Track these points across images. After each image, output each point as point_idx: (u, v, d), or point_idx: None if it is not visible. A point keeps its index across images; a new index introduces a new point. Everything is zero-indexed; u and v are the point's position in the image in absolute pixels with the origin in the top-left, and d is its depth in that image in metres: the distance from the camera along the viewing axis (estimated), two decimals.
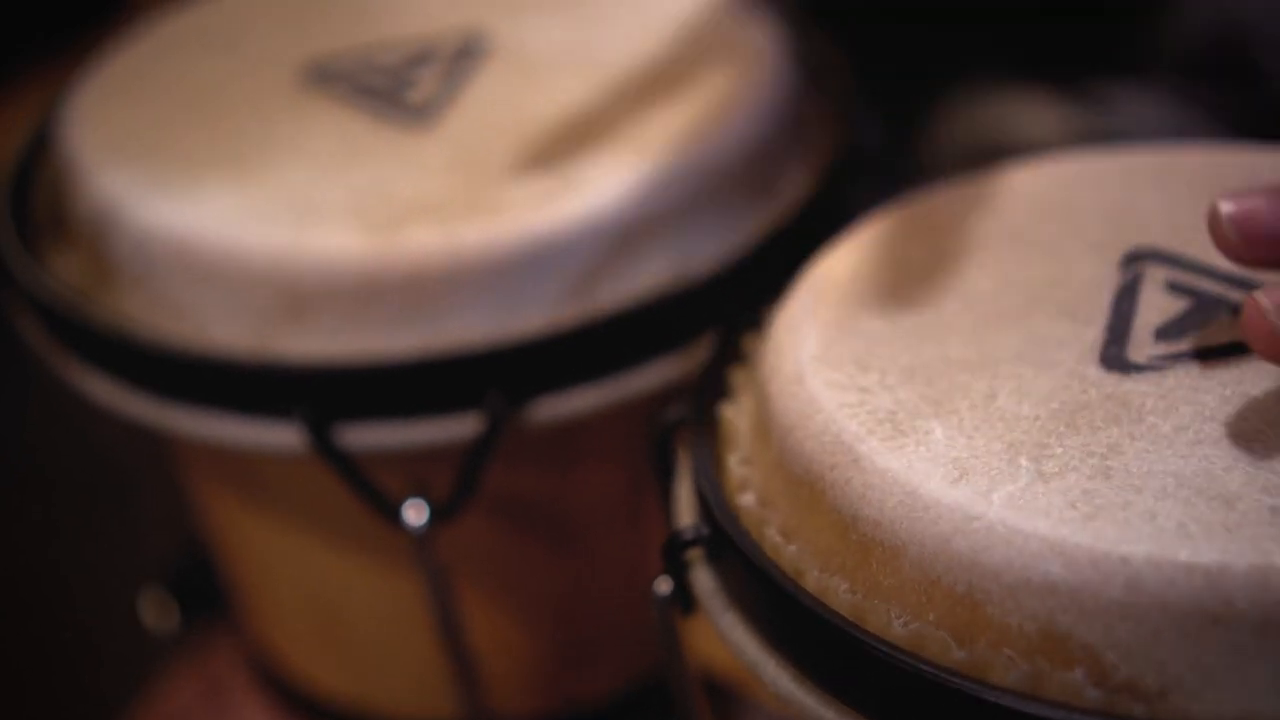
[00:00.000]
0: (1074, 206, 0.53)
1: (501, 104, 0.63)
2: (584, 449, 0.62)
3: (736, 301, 0.55)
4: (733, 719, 0.65)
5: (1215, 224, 0.44)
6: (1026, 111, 0.94)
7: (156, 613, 0.79)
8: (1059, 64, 0.93)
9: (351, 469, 0.58)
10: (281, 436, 0.58)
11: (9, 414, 0.87)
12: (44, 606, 0.81)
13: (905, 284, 0.51)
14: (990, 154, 0.71)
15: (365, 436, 0.58)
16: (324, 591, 0.67)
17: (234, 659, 0.77)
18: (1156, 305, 0.48)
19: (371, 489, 0.58)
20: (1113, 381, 0.45)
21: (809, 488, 0.45)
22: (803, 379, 0.47)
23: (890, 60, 0.88)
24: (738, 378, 0.52)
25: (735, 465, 0.49)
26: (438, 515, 0.58)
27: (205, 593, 0.78)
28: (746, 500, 0.48)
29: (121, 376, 0.60)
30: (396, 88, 0.65)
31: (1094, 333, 0.47)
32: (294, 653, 0.72)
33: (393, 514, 0.58)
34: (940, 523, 0.42)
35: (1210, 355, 0.46)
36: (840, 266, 0.52)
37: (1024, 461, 0.43)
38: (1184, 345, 0.46)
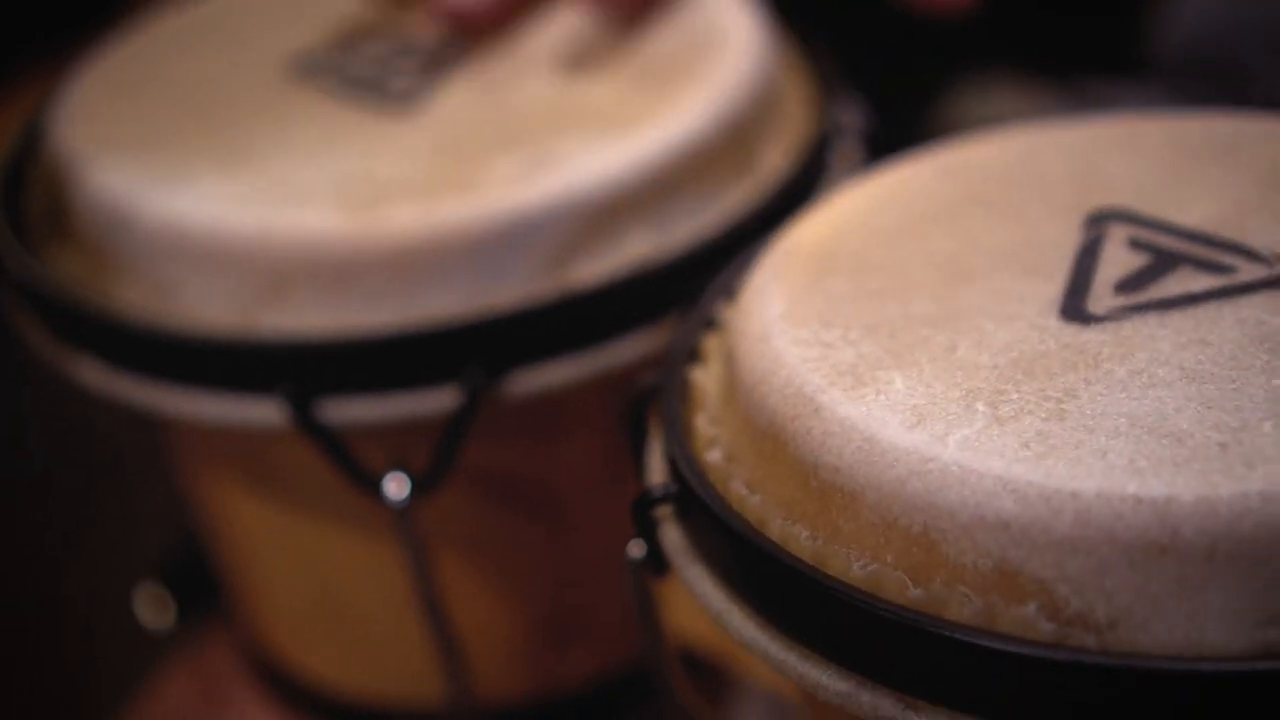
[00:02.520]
0: (1041, 172, 0.53)
1: (484, 89, 0.64)
2: (563, 422, 0.62)
3: (712, 276, 0.56)
4: (717, 695, 0.65)
5: None
6: (1022, 109, 0.94)
7: (152, 609, 0.79)
8: (1056, 61, 0.94)
9: (333, 443, 0.58)
10: (264, 413, 0.59)
11: (4, 409, 0.88)
12: (39, 603, 0.81)
13: (871, 248, 0.51)
14: None
15: (347, 411, 0.58)
16: (316, 577, 0.68)
17: (230, 654, 0.78)
18: (1118, 261, 0.48)
19: (352, 463, 0.59)
20: (1071, 332, 0.46)
21: (772, 440, 0.46)
22: (768, 337, 0.48)
23: (888, 55, 0.89)
24: (708, 344, 0.53)
25: (703, 425, 0.50)
26: (418, 488, 0.59)
27: (201, 589, 0.78)
28: (713, 457, 0.48)
29: (107, 357, 0.61)
30: (380, 76, 0.66)
31: (1055, 288, 0.48)
32: (289, 643, 0.72)
33: (374, 487, 0.59)
34: (897, 466, 0.42)
35: (1168, 306, 0.46)
36: (808, 234, 0.53)
37: (981, 406, 0.43)
38: (1143, 297, 0.47)
